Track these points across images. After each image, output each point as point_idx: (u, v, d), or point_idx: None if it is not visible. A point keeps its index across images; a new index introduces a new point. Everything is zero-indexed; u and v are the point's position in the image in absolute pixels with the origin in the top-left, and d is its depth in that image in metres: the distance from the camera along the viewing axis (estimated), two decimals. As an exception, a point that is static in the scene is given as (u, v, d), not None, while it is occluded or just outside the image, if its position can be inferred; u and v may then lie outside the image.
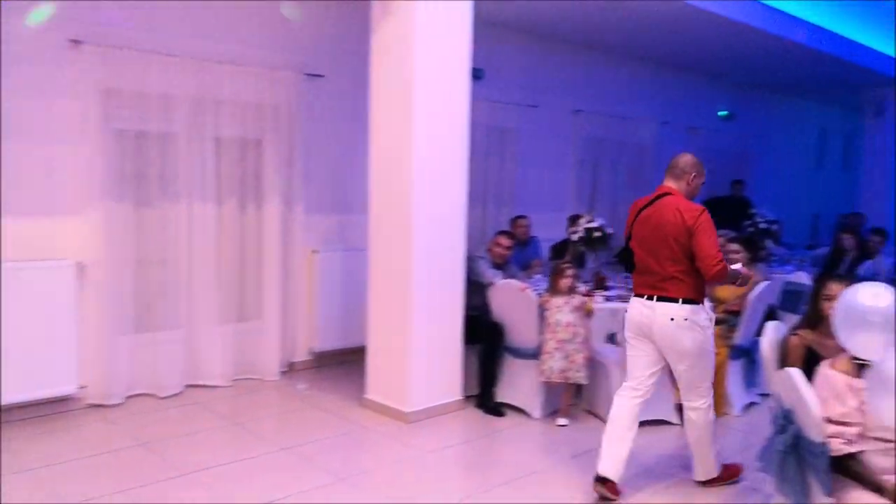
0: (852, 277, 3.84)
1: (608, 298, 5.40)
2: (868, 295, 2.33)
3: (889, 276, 8.06)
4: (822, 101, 12.32)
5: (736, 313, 5.10)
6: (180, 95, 4.99)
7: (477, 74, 6.79)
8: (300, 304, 5.83)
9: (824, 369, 2.50)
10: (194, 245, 5.19)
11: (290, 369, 5.85)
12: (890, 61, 9.52)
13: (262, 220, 5.54)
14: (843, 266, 7.11)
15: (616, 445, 3.64)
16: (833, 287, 3.09)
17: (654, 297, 3.52)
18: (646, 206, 3.66)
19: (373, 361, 5.02)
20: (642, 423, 4.70)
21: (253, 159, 5.50)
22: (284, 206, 5.60)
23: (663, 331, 3.51)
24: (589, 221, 5.99)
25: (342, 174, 6.03)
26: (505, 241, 5.48)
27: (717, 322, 5.04)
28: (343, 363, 5.99)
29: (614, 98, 8.46)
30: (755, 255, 5.37)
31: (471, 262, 5.16)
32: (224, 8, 5.30)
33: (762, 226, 8.09)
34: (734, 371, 5.13)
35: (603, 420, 4.80)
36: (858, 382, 2.39)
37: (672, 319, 3.48)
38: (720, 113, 10.15)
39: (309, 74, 5.68)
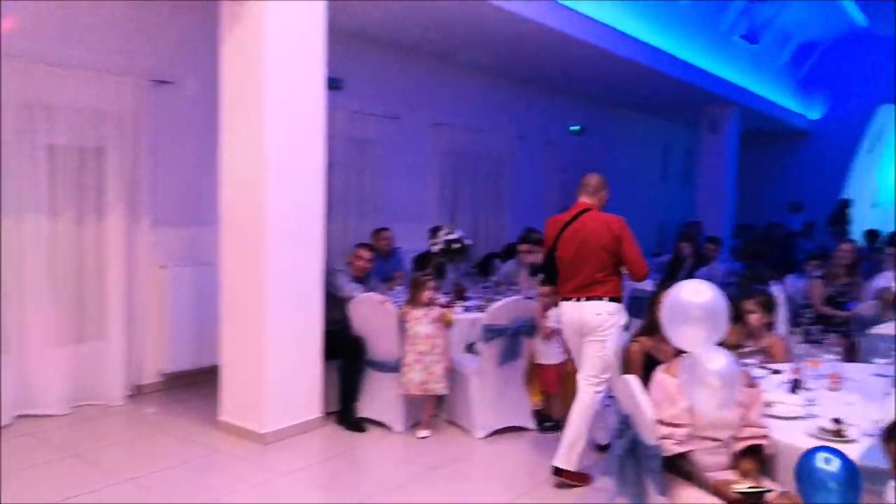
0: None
1: (467, 309, 5.46)
2: (690, 291, 2.47)
3: (722, 280, 8.76)
4: (665, 119, 13.20)
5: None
6: (5, 100, 4.56)
7: (336, 84, 6.72)
8: (148, 322, 5.49)
9: (658, 374, 2.63)
10: (25, 262, 4.75)
11: (137, 393, 5.48)
12: (723, 83, 10.37)
13: (103, 234, 5.17)
14: (682, 273, 7.58)
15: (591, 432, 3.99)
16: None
17: (583, 298, 3.97)
18: (570, 222, 4.08)
19: (226, 381, 4.79)
20: (500, 431, 4.83)
21: (93, 169, 5.12)
22: (129, 218, 5.26)
23: (591, 323, 3.95)
24: (449, 233, 6.05)
25: (194, 185, 5.75)
26: (366, 253, 5.42)
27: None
28: (196, 384, 5.69)
29: (473, 112, 8.63)
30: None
31: (330, 275, 5.06)
32: (59, 8, 4.91)
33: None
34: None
35: (464, 429, 4.86)
36: (687, 384, 2.53)
37: (598, 314, 3.95)
38: (572, 128, 10.62)
39: (155, 80, 5.37)
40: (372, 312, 4.91)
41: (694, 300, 2.45)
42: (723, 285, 8.72)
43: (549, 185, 10.18)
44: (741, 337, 3.95)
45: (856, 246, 6.08)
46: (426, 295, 4.73)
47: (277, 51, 4.46)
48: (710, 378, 2.36)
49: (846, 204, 13.11)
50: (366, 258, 5.39)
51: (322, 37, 4.72)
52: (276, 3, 4.45)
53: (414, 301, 4.77)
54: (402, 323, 4.77)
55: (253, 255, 4.54)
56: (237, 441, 4.58)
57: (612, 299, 3.97)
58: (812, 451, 2.20)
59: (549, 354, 4.94)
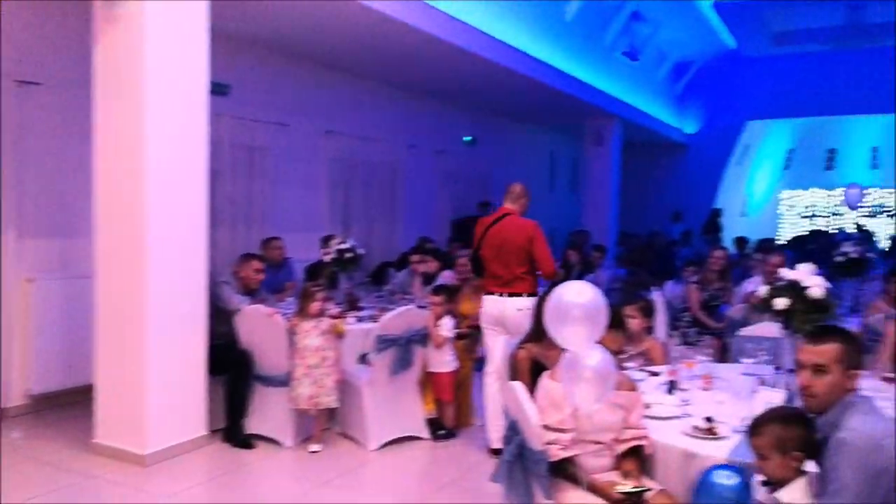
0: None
1: (360, 319, 5.40)
2: (572, 293, 2.55)
3: (607, 286, 9.11)
4: (552, 130, 13.62)
5: (479, 328, 5.35)
6: None
7: (221, 89, 6.51)
8: (12, 340, 5.08)
9: (544, 380, 2.68)
10: None
11: (0, 417, 5.06)
12: (606, 97, 10.81)
13: (-40, 246, 4.75)
14: (570, 279, 7.85)
15: (500, 419, 4.13)
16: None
17: (506, 294, 4.50)
18: (493, 224, 4.71)
19: (102, 401, 4.50)
20: (394, 441, 4.79)
21: (-52, 175, 4.70)
22: (-10, 229, 4.86)
23: (513, 318, 4.43)
24: (341, 242, 5.96)
25: (65, 193, 5.39)
26: (257, 264, 5.24)
27: (461, 336, 5.29)
28: (69, 405, 5.32)
29: (365, 120, 8.58)
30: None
31: (215, 287, 4.86)
32: None
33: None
34: (479, 382, 5.36)
35: (357, 441, 4.78)
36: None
37: (519, 310, 4.41)
38: (465, 138, 10.77)
39: (21, 81, 5.01)
40: (260, 325, 4.75)
41: (575, 300, 2.53)
42: (608, 291, 9.07)
43: (441, 194, 10.27)
44: (622, 342, 4.09)
45: (727, 253, 6.45)
46: (315, 306, 4.64)
47: (156, 53, 4.25)
48: (586, 372, 2.43)
49: (718, 213, 13.97)
50: (256, 268, 5.22)
51: (205, 40, 4.54)
52: (155, 3, 4.24)
53: (303, 312, 4.66)
54: (291, 335, 4.64)
55: (131, 266, 4.30)
56: (115, 465, 4.30)
57: (530, 295, 4.46)
58: (712, 469, 2.33)
59: (442, 363, 4.95)
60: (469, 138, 10.80)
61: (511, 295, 4.49)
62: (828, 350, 2.21)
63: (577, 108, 10.62)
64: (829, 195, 16.07)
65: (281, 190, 7.38)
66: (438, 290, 4.98)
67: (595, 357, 2.48)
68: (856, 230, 13.16)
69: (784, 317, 3.22)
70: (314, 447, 4.67)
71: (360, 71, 8.10)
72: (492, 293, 4.59)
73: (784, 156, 16.49)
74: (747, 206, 16.55)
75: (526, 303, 4.37)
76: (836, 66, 13.43)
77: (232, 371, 4.78)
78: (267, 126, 7.14)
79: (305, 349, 4.58)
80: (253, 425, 4.84)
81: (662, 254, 11.24)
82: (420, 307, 5.23)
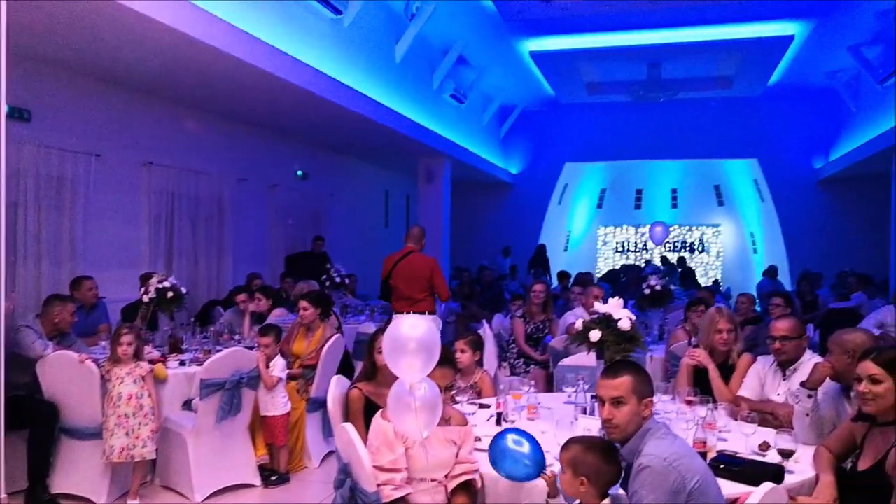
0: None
1: (183, 362, 5.09)
2: (408, 326, 2.58)
3: (442, 320, 9.29)
4: (387, 167, 13.79)
5: (312, 367, 5.25)
6: None
7: (20, 115, 5.97)
8: None
9: (376, 420, 2.67)
10: None
11: None
12: (436, 137, 11.14)
13: None
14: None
15: None
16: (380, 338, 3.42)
17: (412, 312, 5.66)
18: (401, 259, 6.58)
19: None
20: (223, 490, 4.53)
21: None
22: None
23: None
24: (161, 280, 5.61)
25: None
26: (70, 306, 4.80)
27: (293, 377, 5.15)
28: None
29: (191, 152, 8.21)
30: (326, 309, 5.61)
31: (14, 332, 4.38)
32: None
33: (338, 279, 8.60)
34: (312, 424, 5.25)
35: (181, 493, 4.46)
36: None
37: None
38: (298, 172, 10.63)
39: None
40: (67, 373, 4.34)
41: (411, 334, 2.56)
42: (442, 326, 9.19)
43: (274, 230, 10.03)
44: (453, 377, 4.17)
45: (546, 286, 6.81)
46: (122, 350, 4.29)
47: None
48: (415, 402, 2.47)
49: (543, 248, 14.75)
50: (70, 311, 4.79)
51: None
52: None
53: (115, 357, 4.31)
54: (103, 383, 4.28)
55: None
56: None
57: (430, 313, 6.34)
58: (503, 433, 2.62)
59: (274, 405, 4.79)
60: (301, 173, 10.67)
61: (416, 313, 5.77)
62: (623, 383, 2.41)
63: (408, 146, 10.84)
64: (637, 231, 17.55)
65: (94, 224, 6.83)
66: (266, 330, 4.83)
67: (422, 388, 2.52)
68: (661, 264, 14.44)
69: (598, 347, 3.43)
70: (132, 503, 4.30)
71: (182, 99, 7.74)
72: (400, 312, 6.10)
73: (598, 195, 17.84)
74: (569, 242, 17.66)
75: (428, 317, 5.32)
76: (640, 114, 14.81)
77: (33, 425, 4.30)
78: (77, 156, 6.60)
79: (118, 397, 4.24)
80: (60, 484, 4.38)
81: (492, 287, 11.67)
82: (248, 348, 5.05)
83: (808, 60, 11.57)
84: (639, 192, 17.53)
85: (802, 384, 3.18)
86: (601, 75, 13.19)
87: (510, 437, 2.55)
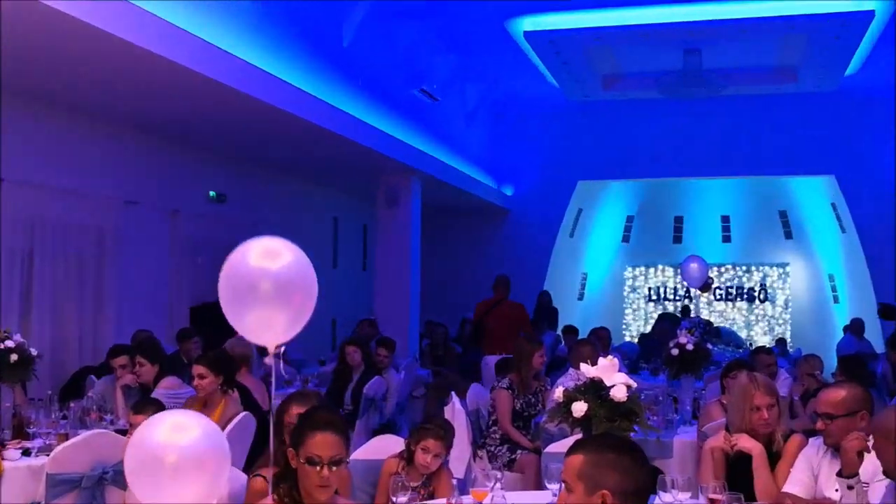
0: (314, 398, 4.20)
1: (28, 451, 4.98)
2: (169, 428, 2.43)
3: (406, 393, 9.20)
4: (334, 186, 13.80)
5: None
6: None
7: None
8: None
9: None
10: None
11: None
12: (401, 146, 11.15)
13: None
14: (351, 386, 7.82)
15: None
16: (293, 412, 3.38)
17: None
18: (495, 306, 10.40)
19: None
20: None
21: None
22: None
23: None
24: (3, 339, 5.55)
25: None
26: None
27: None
28: None
29: (57, 166, 8.14)
30: (229, 377, 5.54)
31: None
32: None
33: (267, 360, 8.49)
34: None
35: None
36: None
37: None
38: (211, 194, 10.59)
39: None
40: None
41: (173, 442, 2.39)
42: (404, 401, 9.05)
43: (176, 269, 9.96)
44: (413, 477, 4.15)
45: (542, 349, 6.78)
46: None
47: None
48: None
49: (547, 298, 14.63)
50: None
51: None
52: None
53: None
54: None
55: None
56: None
57: None
58: None
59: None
60: (215, 194, 10.63)
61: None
62: (571, 462, 2.36)
63: (363, 158, 10.84)
64: (677, 273, 17.53)
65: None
66: (142, 407, 4.76)
67: None
68: (694, 315, 14.38)
69: (584, 426, 3.37)
70: None
71: (44, 95, 7.69)
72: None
73: (624, 225, 17.94)
74: (584, 288, 17.67)
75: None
76: (677, 117, 14.94)
77: None
78: None
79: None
80: None
81: (475, 349, 11.59)
82: (119, 431, 4.96)
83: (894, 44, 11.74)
84: (678, 220, 17.66)
85: (839, 473, 3.16)
86: (622, 64, 13.33)
87: None
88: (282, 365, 8.63)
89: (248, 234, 10.56)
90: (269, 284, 2.60)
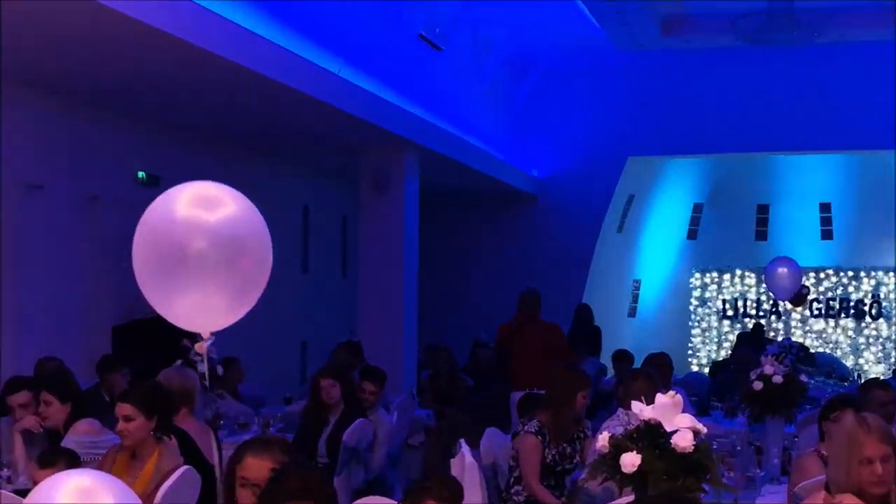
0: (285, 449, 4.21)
1: None
2: (66, 496, 2.42)
3: (398, 442, 9.19)
4: (305, 166, 13.83)
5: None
6: None
7: None
8: None
9: None
10: None
11: None
12: (393, 111, 11.13)
13: None
14: (326, 430, 7.81)
15: None
16: (249, 465, 3.60)
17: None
18: (520, 327, 10.67)
19: None
20: None
21: None
22: None
23: None
24: None
25: None
26: None
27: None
28: None
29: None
30: (164, 420, 5.54)
31: None
32: None
33: (204, 367, 8.50)
34: None
35: None
36: None
37: None
38: (140, 174, 10.61)
39: None
40: None
41: None
42: (398, 451, 9.04)
43: (95, 275, 9.97)
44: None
45: (596, 377, 6.77)
46: None
47: None
48: None
49: (587, 312, 14.59)
50: None
51: None
52: None
53: None
54: None
55: None
56: None
57: None
58: None
59: None
60: (145, 176, 10.65)
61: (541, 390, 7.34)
62: None
63: (343, 128, 10.86)
64: (762, 281, 17.53)
65: None
66: (49, 460, 4.79)
67: None
68: (782, 337, 14.26)
69: (636, 483, 3.38)
70: None
71: None
72: (522, 390, 9.29)
73: (689, 216, 17.94)
74: (637, 300, 17.64)
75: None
76: (760, 71, 14.90)
77: None
78: None
79: None
80: None
81: (493, 381, 11.57)
82: (21, 492, 4.99)
83: None
84: (762, 210, 17.64)
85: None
86: (687, 2, 13.33)
87: None
88: (216, 367, 8.60)
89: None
90: (204, 243, 2.51)
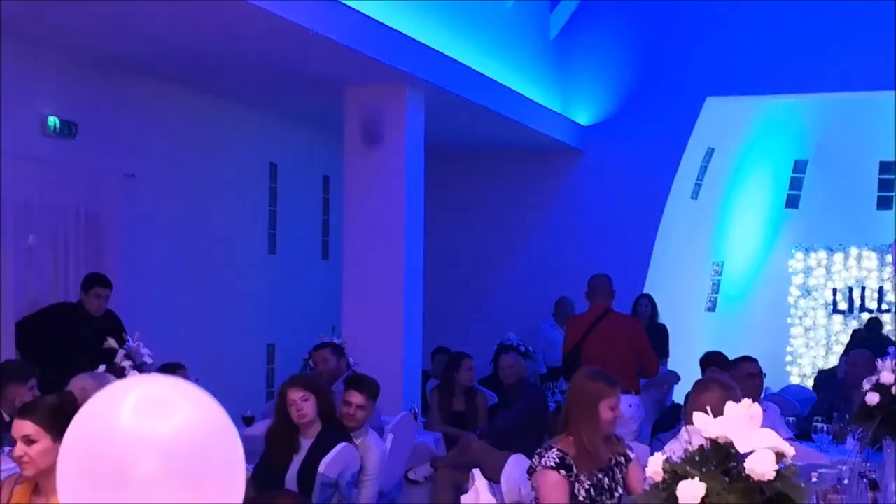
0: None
1: None
2: None
3: (390, 482, 9.24)
4: (273, 112, 13.87)
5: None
6: None
7: None
8: None
9: None
10: None
11: None
12: (388, 35, 11.14)
13: None
14: (297, 457, 7.86)
15: None
16: None
17: None
18: (597, 322, 11.05)
19: None
20: None
21: None
22: None
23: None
24: None
25: None
26: None
27: None
28: None
29: None
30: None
31: None
32: None
33: (131, 374, 8.60)
34: None
35: None
36: None
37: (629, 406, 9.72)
38: (52, 121, 10.63)
39: None
40: None
41: None
42: (394, 488, 9.12)
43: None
44: None
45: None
46: None
47: None
48: None
49: (650, 304, 14.65)
50: None
51: None
52: None
53: None
54: None
55: None
56: None
57: (636, 392, 10.56)
58: None
59: None
60: (58, 123, 10.69)
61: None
62: None
63: (321, 61, 10.93)
64: (886, 263, 17.55)
65: None
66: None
67: None
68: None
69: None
70: None
71: None
72: None
73: (789, 177, 17.94)
74: (718, 288, 17.67)
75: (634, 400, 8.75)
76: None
77: None
78: None
79: None
80: None
81: (525, 395, 11.62)
82: None
83: None
84: (886, 168, 17.60)
85: None
86: None
87: None
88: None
89: (115, 193, 10.77)
90: (152, 465, 2.47)
